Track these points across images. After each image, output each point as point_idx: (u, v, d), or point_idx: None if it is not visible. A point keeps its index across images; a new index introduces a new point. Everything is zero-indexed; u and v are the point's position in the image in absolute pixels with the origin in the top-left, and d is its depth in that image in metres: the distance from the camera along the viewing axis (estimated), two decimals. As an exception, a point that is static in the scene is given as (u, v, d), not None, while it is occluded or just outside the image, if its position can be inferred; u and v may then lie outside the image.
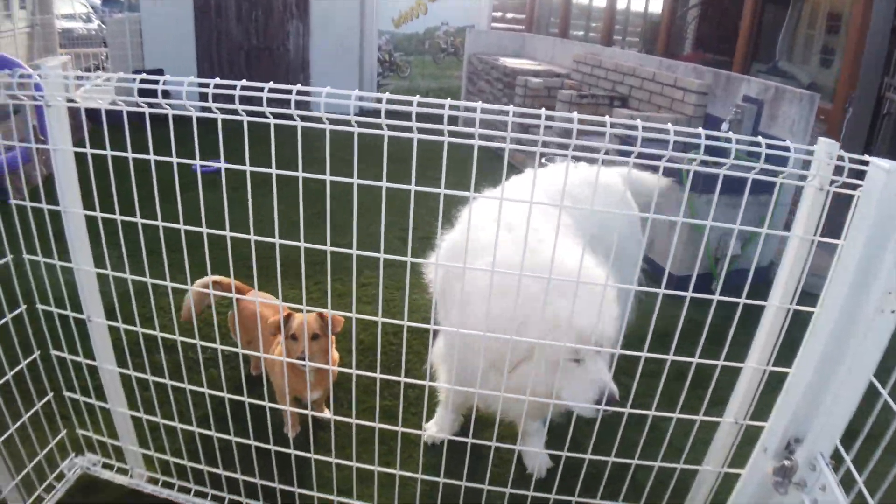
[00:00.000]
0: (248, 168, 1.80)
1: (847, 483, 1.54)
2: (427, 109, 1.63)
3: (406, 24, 12.25)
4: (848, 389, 1.54)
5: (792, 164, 1.64)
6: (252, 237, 1.88)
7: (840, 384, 1.56)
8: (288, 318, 2.76)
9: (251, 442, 2.27)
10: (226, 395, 2.20)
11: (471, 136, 1.66)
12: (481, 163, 1.61)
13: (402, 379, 2.06)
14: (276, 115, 1.71)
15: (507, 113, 1.65)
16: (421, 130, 1.63)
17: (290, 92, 1.65)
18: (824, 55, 7.35)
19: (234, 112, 1.72)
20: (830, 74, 6.61)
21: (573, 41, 9.66)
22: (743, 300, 1.96)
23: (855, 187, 1.67)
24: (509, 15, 15.66)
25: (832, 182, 1.70)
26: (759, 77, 7.40)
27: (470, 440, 2.15)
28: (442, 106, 1.62)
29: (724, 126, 5.27)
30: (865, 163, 1.62)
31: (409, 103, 1.59)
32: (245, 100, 1.68)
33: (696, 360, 2.00)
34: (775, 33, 8.02)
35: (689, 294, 1.88)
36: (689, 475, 2.32)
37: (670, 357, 1.98)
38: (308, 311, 2.68)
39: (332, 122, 1.67)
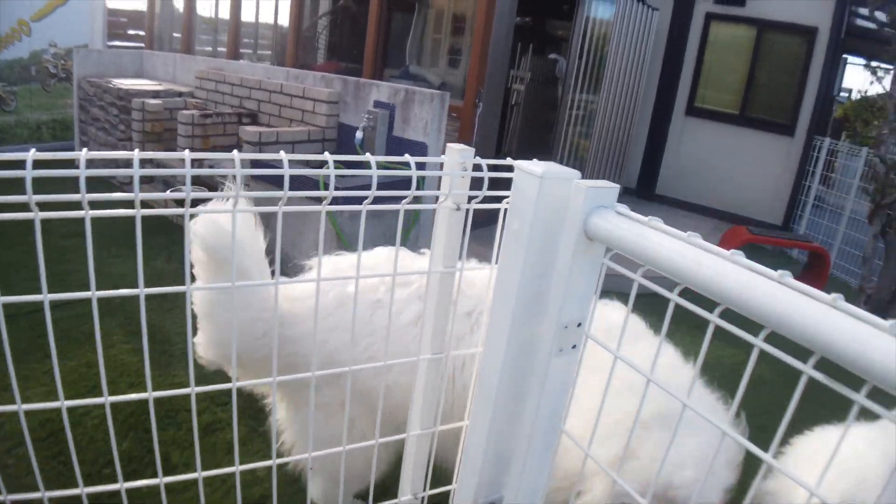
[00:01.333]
0: None
1: None
2: None
3: (6, 48, 10.33)
4: (538, 441, 1.21)
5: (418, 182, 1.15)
6: None
7: (529, 436, 1.21)
8: None
9: None
10: None
11: None
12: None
13: None
14: None
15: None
16: None
17: None
18: (452, 56, 7.49)
19: None
20: (460, 74, 6.68)
21: (196, 57, 8.84)
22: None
23: (500, 199, 1.27)
24: (132, 31, 14.22)
25: (472, 199, 1.24)
26: (395, 82, 7.31)
27: None
28: None
29: (358, 134, 4.95)
30: (510, 168, 1.20)
31: None
32: None
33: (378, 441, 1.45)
34: (404, 39, 8.05)
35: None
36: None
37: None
38: None
39: None
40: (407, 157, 1.17)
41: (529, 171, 1.08)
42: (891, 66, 8.07)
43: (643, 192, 9.68)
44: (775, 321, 0.77)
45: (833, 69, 8.82)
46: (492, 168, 1.20)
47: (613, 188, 1.03)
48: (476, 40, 5.99)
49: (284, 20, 8.85)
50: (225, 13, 9.74)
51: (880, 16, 6.34)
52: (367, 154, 1.26)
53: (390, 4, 8.05)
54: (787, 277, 0.78)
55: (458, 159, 1.19)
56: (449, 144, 1.22)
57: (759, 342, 0.81)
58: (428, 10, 8.12)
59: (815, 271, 6.81)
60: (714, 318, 0.87)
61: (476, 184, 1.25)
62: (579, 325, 1.13)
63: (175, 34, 11.13)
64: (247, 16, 10.08)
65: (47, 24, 10.56)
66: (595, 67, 7.78)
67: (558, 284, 1.09)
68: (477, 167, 1.20)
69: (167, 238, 5.17)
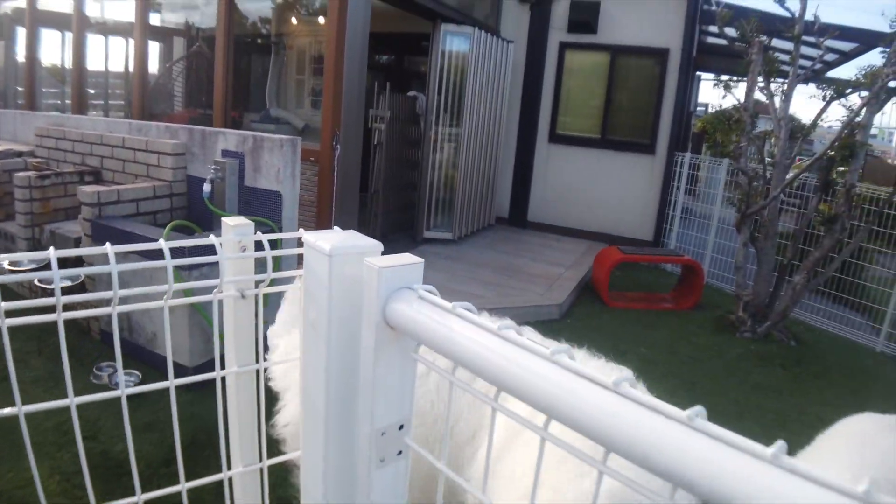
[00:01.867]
0: None
1: None
2: None
3: None
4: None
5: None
6: None
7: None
8: None
9: None
10: None
11: None
12: None
13: None
14: None
15: None
16: None
17: None
18: (315, 97, 7.27)
19: None
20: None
21: (35, 113, 8.23)
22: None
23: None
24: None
25: (258, 283, 1.01)
26: (256, 127, 7.02)
27: None
28: None
29: (206, 187, 4.61)
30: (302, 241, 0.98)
31: None
32: None
33: None
34: (264, 81, 7.79)
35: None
36: None
37: None
38: None
39: None
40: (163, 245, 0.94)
41: (317, 248, 0.87)
42: (744, 79, 8.45)
43: (515, 220, 9.71)
44: (609, 440, 0.58)
45: (687, 87, 9.15)
46: (282, 243, 0.98)
47: (416, 264, 0.84)
48: (327, 82, 5.82)
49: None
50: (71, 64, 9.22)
51: (730, 32, 6.58)
52: (211, 236, 1.03)
53: (242, 47, 7.78)
54: (623, 385, 0.60)
55: (233, 237, 0.96)
56: (224, 220, 0.99)
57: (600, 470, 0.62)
58: (287, 51, 7.90)
59: (688, 283, 6.95)
60: (545, 434, 0.68)
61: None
62: (401, 427, 0.92)
63: (20, 88, 10.46)
64: (96, 65, 9.57)
65: None
66: (455, 101, 7.76)
67: (367, 383, 0.88)
68: (260, 245, 0.97)
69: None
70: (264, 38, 8.19)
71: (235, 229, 0.96)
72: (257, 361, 1.06)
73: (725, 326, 6.27)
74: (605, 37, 9.01)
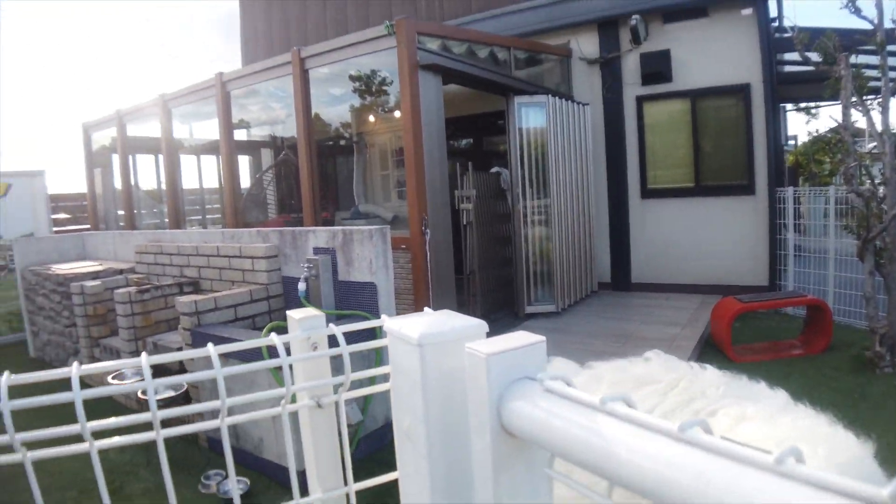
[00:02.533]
0: None
1: None
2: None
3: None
4: None
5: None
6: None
7: None
8: None
9: None
10: None
11: None
12: None
13: None
14: None
15: None
16: None
17: None
18: (401, 188, 7.29)
19: None
20: (410, 205, 6.52)
21: (133, 231, 8.60)
22: None
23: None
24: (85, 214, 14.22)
25: (338, 387, 0.81)
26: (346, 224, 7.06)
27: None
28: None
29: (301, 285, 4.57)
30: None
31: None
32: None
33: None
34: (350, 180, 7.91)
35: None
36: None
37: None
38: None
39: None
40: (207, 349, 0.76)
41: (402, 337, 0.66)
42: (834, 103, 7.96)
43: (619, 284, 9.30)
44: None
45: (776, 117, 8.71)
46: (354, 336, 0.78)
47: (535, 345, 0.62)
48: (409, 169, 5.88)
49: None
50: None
51: (812, 56, 6.22)
52: (272, 335, 0.86)
53: (325, 151, 7.95)
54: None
55: (300, 334, 0.77)
56: (288, 313, 0.80)
57: None
58: (368, 148, 8.02)
59: (816, 325, 6.41)
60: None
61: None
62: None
63: (119, 212, 11.03)
64: (190, 183, 10.02)
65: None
66: (539, 172, 7.61)
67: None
68: (332, 339, 0.77)
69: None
70: (346, 140, 8.36)
71: (302, 323, 0.77)
72: (346, 483, 0.85)
73: (864, 364, 5.71)
74: (681, 83, 8.73)
